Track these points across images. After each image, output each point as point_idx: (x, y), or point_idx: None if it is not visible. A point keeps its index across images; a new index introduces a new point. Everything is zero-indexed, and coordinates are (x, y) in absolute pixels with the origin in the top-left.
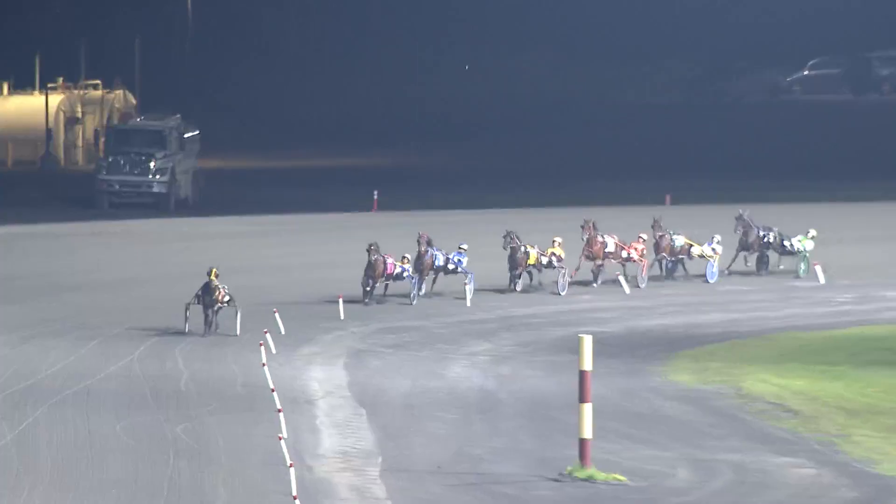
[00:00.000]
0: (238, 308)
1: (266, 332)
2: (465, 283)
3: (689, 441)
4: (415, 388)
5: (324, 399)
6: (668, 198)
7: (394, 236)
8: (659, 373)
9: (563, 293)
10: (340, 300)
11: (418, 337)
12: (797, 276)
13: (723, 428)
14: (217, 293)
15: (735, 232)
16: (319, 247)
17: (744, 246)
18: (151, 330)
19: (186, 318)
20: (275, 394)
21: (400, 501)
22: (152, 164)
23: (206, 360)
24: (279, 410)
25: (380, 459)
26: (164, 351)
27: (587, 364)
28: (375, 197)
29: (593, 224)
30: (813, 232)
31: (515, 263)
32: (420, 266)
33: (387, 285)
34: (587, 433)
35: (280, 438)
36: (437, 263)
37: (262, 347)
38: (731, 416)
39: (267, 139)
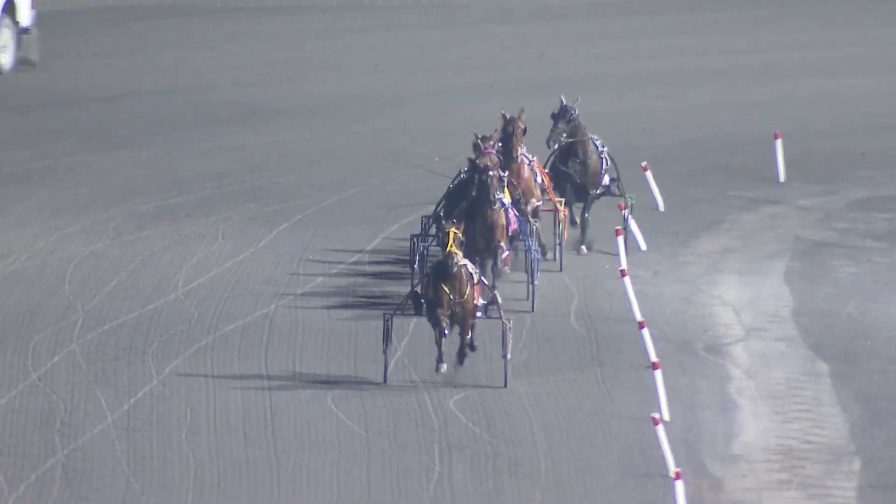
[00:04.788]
0: (509, 321)
1: (622, 208)
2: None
3: None
4: None
5: (743, 342)
6: None
7: None
8: None
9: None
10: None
11: None
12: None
13: None
14: (465, 288)
15: (550, 145)
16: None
17: (580, 183)
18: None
19: (387, 345)
20: (645, 332)
21: None
22: None
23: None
24: (654, 365)
25: (855, 464)
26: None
27: None
28: None
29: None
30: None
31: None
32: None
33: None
34: None
35: (656, 422)
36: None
37: (620, 239)
38: None
39: None
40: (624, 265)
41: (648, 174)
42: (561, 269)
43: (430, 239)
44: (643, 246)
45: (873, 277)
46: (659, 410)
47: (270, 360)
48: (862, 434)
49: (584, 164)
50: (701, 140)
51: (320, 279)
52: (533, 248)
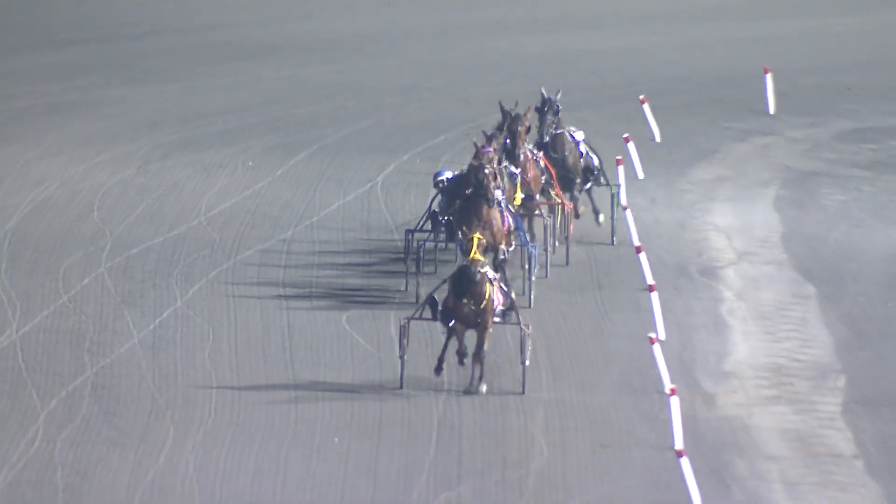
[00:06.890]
0: (528, 327)
1: (627, 139)
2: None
3: None
4: None
5: (735, 266)
6: None
7: None
8: None
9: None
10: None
11: None
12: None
13: None
14: (484, 294)
15: (544, 138)
16: None
17: (563, 175)
18: None
19: (403, 348)
20: (642, 256)
21: (875, 457)
22: None
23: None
24: (650, 288)
25: (840, 380)
26: None
27: None
28: None
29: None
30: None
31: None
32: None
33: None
34: None
35: (652, 341)
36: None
37: (621, 169)
38: None
39: None
40: (623, 197)
41: (646, 106)
42: (567, 264)
43: (428, 234)
44: (640, 175)
45: (859, 205)
46: (655, 330)
47: (288, 282)
48: (847, 353)
49: (563, 157)
50: (695, 74)
51: (336, 206)
52: (530, 244)
